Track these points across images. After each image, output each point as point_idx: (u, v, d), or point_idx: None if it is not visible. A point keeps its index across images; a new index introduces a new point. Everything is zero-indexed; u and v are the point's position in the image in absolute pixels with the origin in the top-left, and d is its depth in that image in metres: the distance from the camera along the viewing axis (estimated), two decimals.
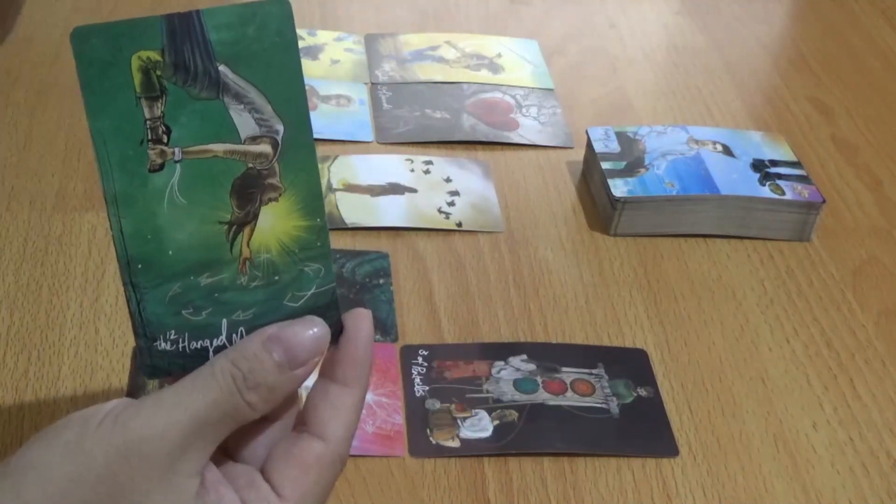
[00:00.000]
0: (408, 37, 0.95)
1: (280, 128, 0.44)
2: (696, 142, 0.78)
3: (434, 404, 0.61)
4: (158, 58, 0.42)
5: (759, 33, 1.03)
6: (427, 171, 0.79)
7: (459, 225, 0.74)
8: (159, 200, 0.43)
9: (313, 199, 0.44)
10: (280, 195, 0.44)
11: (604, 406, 0.61)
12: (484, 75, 0.90)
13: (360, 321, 0.45)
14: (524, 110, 0.87)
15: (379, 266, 0.70)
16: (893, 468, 0.60)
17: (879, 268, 0.75)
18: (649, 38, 1.00)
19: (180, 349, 0.44)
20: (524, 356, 0.64)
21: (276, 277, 0.45)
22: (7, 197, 0.72)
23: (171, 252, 0.43)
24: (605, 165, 0.76)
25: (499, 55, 0.93)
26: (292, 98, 0.43)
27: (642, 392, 0.63)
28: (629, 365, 0.64)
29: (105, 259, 0.68)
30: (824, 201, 0.75)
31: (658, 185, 0.74)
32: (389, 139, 0.82)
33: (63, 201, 0.72)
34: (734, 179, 0.75)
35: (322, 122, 0.82)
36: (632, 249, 0.74)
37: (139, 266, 0.43)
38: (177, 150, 0.43)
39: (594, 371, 0.64)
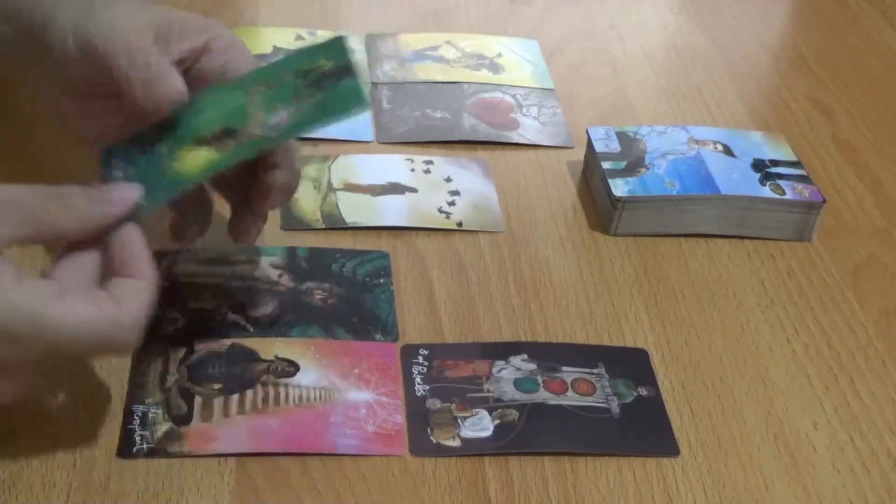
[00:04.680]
0: (408, 37, 0.95)
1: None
2: (697, 142, 0.79)
3: (435, 404, 0.61)
4: None
5: (759, 33, 1.03)
6: (427, 171, 0.79)
7: (460, 225, 0.74)
8: None
9: None
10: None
11: (604, 406, 0.61)
12: (484, 75, 0.90)
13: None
14: (524, 110, 0.87)
15: (379, 266, 0.70)
16: (894, 468, 0.60)
17: (880, 268, 0.75)
18: (649, 38, 1.00)
19: None
20: (525, 356, 0.64)
21: None
22: None
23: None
24: (605, 165, 0.76)
25: (499, 55, 0.93)
26: None
27: (643, 392, 0.63)
28: (630, 364, 0.64)
29: None
30: (824, 201, 0.75)
31: (658, 185, 0.74)
32: (390, 139, 0.82)
33: None
34: (734, 179, 0.75)
35: None
36: (632, 249, 0.74)
37: None
38: None
39: (595, 371, 0.64)
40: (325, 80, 0.58)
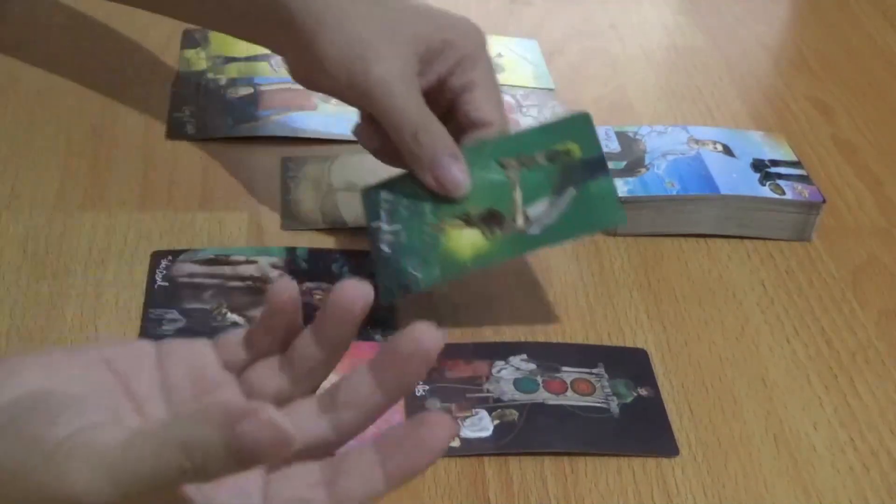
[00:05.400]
0: None
1: None
2: (697, 142, 0.78)
3: (434, 403, 0.61)
4: None
5: (760, 33, 1.03)
6: None
7: None
8: None
9: None
10: None
11: (604, 406, 0.61)
12: None
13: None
14: (525, 110, 0.87)
15: None
16: (894, 468, 0.60)
17: (880, 268, 0.75)
18: (649, 38, 1.00)
19: None
20: (524, 356, 0.64)
21: None
22: (7, 197, 0.72)
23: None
24: None
25: (499, 55, 0.93)
26: None
27: (642, 392, 0.63)
28: (629, 365, 0.64)
29: (105, 259, 0.68)
30: (824, 201, 0.75)
31: (658, 185, 0.74)
32: None
33: (63, 201, 0.72)
34: (734, 179, 0.75)
35: (323, 121, 0.82)
36: (632, 249, 0.73)
37: None
38: None
39: (594, 371, 0.64)
40: (575, 172, 0.63)
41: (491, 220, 0.63)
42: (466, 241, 0.62)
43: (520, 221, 0.62)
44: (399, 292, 0.62)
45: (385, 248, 0.63)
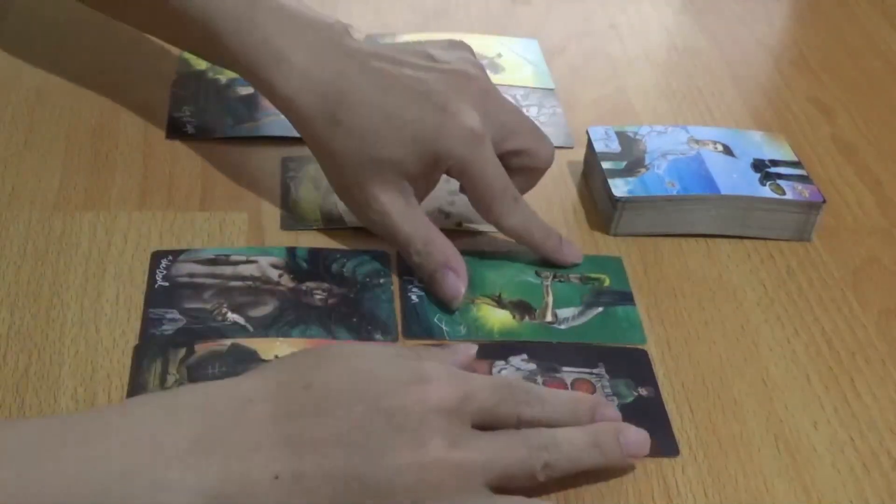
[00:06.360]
0: (408, 37, 0.95)
1: None
2: (697, 142, 0.78)
3: None
4: None
5: (760, 33, 1.03)
6: None
7: (460, 225, 0.74)
8: None
9: None
10: None
11: None
12: None
13: None
14: (524, 110, 0.86)
15: (379, 266, 0.70)
16: (894, 468, 0.60)
17: (880, 267, 0.75)
18: (650, 39, 1.00)
19: None
20: (524, 356, 0.64)
21: None
22: (7, 197, 0.72)
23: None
24: (605, 165, 0.76)
25: (499, 55, 0.93)
26: None
27: (643, 392, 0.63)
28: (630, 365, 0.64)
29: (105, 259, 0.68)
30: (825, 201, 0.75)
31: (659, 185, 0.74)
32: None
33: (63, 201, 0.72)
34: (735, 179, 0.75)
35: None
36: (632, 249, 0.73)
37: None
38: None
39: (595, 371, 0.64)
40: (605, 296, 0.68)
41: (521, 307, 0.67)
42: (496, 317, 0.66)
43: (548, 317, 0.67)
44: (423, 335, 0.65)
45: (413, 298, 0.67)
